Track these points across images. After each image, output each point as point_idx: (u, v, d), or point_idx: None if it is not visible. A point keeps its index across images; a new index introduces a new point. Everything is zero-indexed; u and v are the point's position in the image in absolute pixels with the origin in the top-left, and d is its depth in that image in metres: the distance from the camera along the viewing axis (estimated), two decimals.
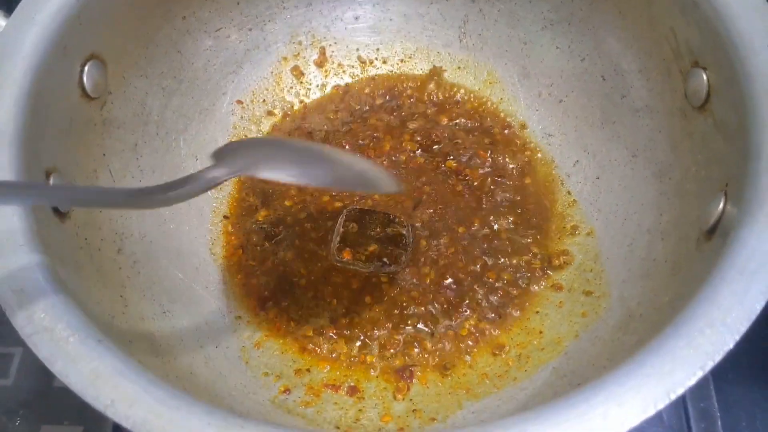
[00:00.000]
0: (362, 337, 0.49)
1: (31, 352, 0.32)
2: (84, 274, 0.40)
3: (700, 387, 0.52)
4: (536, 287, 0.51)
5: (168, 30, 0.53)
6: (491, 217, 0.54)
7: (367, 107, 0.61)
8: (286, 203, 0.56)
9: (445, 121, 0.59)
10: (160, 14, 0.52)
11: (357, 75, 0.63)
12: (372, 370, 0.48)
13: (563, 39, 0.57)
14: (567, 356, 0.45)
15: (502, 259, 0.52)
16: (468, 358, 0.48)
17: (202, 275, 0.51)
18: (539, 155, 0.58)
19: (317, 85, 0.62)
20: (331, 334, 0.49)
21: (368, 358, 0.48)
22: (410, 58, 0.63)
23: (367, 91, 0.62)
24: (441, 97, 0.61)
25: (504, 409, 0.43)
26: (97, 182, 0.46)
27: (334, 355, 0.49)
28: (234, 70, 0.59)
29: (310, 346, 0.49)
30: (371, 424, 0.44)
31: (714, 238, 0.38)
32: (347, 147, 0.58)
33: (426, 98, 0.61)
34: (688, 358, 0.30)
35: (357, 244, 0.53)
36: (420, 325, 0.50)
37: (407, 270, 0.52)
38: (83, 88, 0.45)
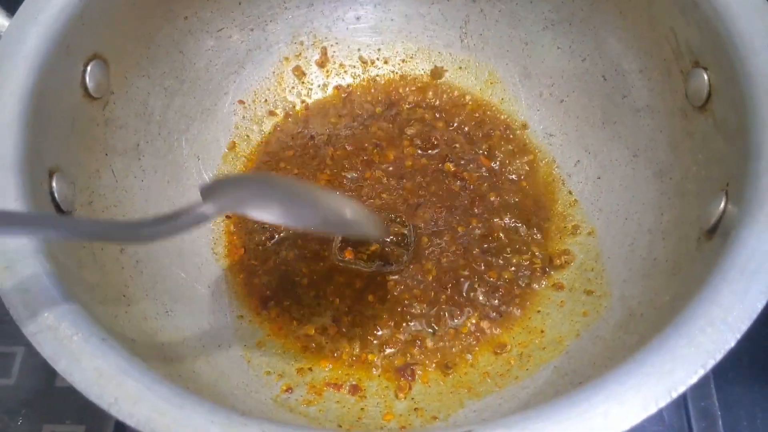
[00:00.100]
0: (364, 336, 0.49)
1: (33, 351, 0.32)
2: (87, 274, 0.40)
3: (700, 386, 0.52)
4: (537, 286, 0.51)
5: (170, 30, 0.53)
6: (492, 217, 0.54)
7: (368, 114, 0.61)
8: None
9: (441, 125, 0.60)
10: (162, 14, 0.52)
11: (358, 75, 0.63)
12: (374, 369, 0.48)
13: (564, 39, 0.57)
14: (568, 355, 0.45)
15: (503, 259, 0.52)
16: (469, 356, 0.48)
17: (204, 275, 0.52)
18: (540, 155, 0.58)
19: (319, 85, 0.62)
20: (333, 333, 0.50)
21: (370, 357, 0.49)
22: (411, 58, 0.63)
23: (368, 98, 0.62)
24: (439, 102, 0.61)
25: (506, 408, 0.43)
26: (99, 182, 0.46)
27: (335, 354, 0.49)
28: (236, 70, 0.59)
29: (312, 345, 0.49)
30: (373, 423, 0.44)
31: (715, 238, 0.38)
32: (350, 148, 0.58)
33: (424, 103, 0.61)
34: (689, 356, 0.30)
35: (358, 243, 0.53)
36: (421, 324, 0.50)
37: (410, 268, 0.52)
38: (86, 88, 0.45)
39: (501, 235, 0.54)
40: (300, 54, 0.62)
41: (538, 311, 0.50)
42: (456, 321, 0.50)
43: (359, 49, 0.63)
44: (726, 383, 0.53)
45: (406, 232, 0.53)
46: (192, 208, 0.36)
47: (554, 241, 0.54)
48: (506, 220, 0.54)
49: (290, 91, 0.62)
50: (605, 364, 0.40)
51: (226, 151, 0.58)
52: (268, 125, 0.61)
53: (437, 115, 0.60)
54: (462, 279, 0.51)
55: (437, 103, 0.61)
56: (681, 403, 0.52)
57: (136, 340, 0.40)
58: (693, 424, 0.51)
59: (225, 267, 0.53)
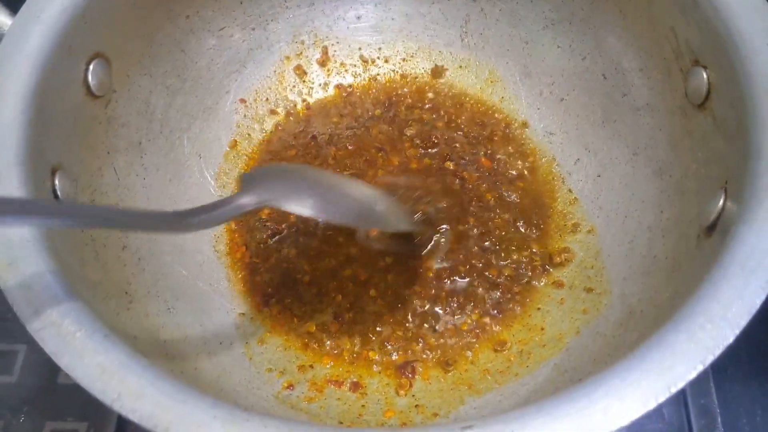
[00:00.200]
0: (365, 333, 0.50)
1: (36, 349, 0.32)
2: (89, 271, 0.40)
3: (700, 383, 0.53)
4: (537, 284, 0.52)
5: (171, 29, 0.53)
6: (492, 215, 0.55)
7: (369, 116, 0.61)
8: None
9: (441, 124, 0.60)
10: (164, 14, 0.52)
11: (359, 74, 0.63)
12: (374, 366, 0.48)
13: (564, 38, 0.57)
14: (568, 352, 0.45)
15: (503, 256, 0.53)
16: (470, 354, 0.49)
17: (206, 272, 0.52)
18: (540, 154, 0.58)
19: (320, 84, 0.63)
20: (334, 330, 0.50)
21: (371, 354, 0.49)
22: (412, 57, 0.63)
23: (369, 99, 0.62)
24: (437, 102, 0.61)
25: (506, 405, 0.43)
26: (101, 180, 0.46)
27: (336, 351, 0.49)
28: (237, 69, 0.60)
29: (313, 342, 0.49)
30: (374, 420, 0.44)
31: (714, 236, 0.39)
32: (351, 147, 0.59)
33: (421, 104, 0.61)
34: (688, 352, 0.30)
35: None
36: (422, 321, 0.50)
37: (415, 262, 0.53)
38: (88, 87, 0.45)
39: (501, 232, 0.54)
40: (301, 53, 0.62)
41: (538, 308, 0.50)
42: (456, 318, 0.50)
43: (360, 48, 0.63)
44: (725, 381, 0.53)
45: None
46: (232, 200, 0.37)
47: (554, 238, 0.54)
48: (506, 218, 0.55)
49: (291, 90, 0.62)
50: (605, 361, 0.40)
51: (228, 149, 0.58)
52: (269, 124, 0.61)
53: (435, 116, 0.61)
54: (462, 276, 0.52)
55: (436, 103, 0.61)
56: (681, 400, 0.52)
57: (138, 337, 0.40)
58: (693, 421, 0.51)
59: (226, 265, 0.53)
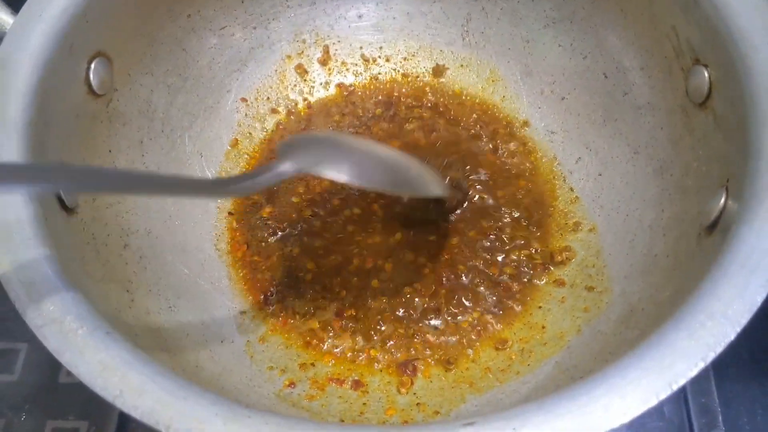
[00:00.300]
0: (366, 332, 0.50)
1: (36, 347, 0.32)
2: (90, 269, 0.41)
3: (701, 382, 0.53)
4: (538, 282, 0.52)
5: (173, 28, 0.54)
6: (493, 213, 0.55)
7: (370, 115, 0.61)
8: (293, 200, 0.56)
9: (443, 121, 0.60)
10: (165, 12, 0.52)
11: (360, 73, 0.63)
12: (376, 364, 0.48)
13: (565, 37, 0.57)
14: (569, 350, 0.45)
15: (504, 255, 0.53)
16: (471, 352, 0.49)
17: (208, 271, 0.52)
18: (541, 153, 0.58)
19: (321, 83, 0.63)
20: (335, 328, 0.50)
21: (372, 353, 0.49)
22: (413, 56, 0.63)
23: (371, 98, 0.62)
24: (438, 101, 0.62)
25: (507, 403, 0.43)
26: None
27: (338, 350, 0.49)
28: (238, 68, 0.60)
29: (315, 340, 0.49)
30: (375, 418, 0.44)
31: (715, 234, 0.39)
32: None
33: (420, 103, 0.62)
34: (689, 349, 0.30)
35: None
36: (423, 320, 0.50)
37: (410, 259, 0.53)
38: (89, 86, 0.45)
39: (502, 231, 0.54)
40: (302, 52, 0.62)
41: (539, 307, 0.50)
42: (457, 316, 0.50)
43: (361, 47, 0.63)
44: (726, 380, 0.53)
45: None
46: (272, 167, 0.38)
47: (555, 237, 0.54)
48: (507, 216, 0.55)
49: (292, 88, 0.62)
50: (606, 359, 0.40)
51: (229, 148, 0.59)
52: (270, 123, 0.61)
53: (436, 114, 0.61)
54: (463, 274, 0.52)
55: (436, 102, 0.61)
56: (681, 399, 0.52)
57: (140, 334, 0.40)
58: (693, 420, 0.51)
59: (228, 263, 0.53)
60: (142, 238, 0.48)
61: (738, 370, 0.53)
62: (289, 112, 0.61)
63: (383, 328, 0.50)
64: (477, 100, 0.61)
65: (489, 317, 0.50)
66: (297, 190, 0.57)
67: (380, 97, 0.62)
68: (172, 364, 0.40)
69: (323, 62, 0.63)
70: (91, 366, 0.31)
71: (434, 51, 0.63)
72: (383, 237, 0.54)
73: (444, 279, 0.52)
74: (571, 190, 0.56)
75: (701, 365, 0.30)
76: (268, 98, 0.61)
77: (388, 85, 0.63)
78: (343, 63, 0.63)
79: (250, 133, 0.60)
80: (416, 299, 0.51)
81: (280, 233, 0.55)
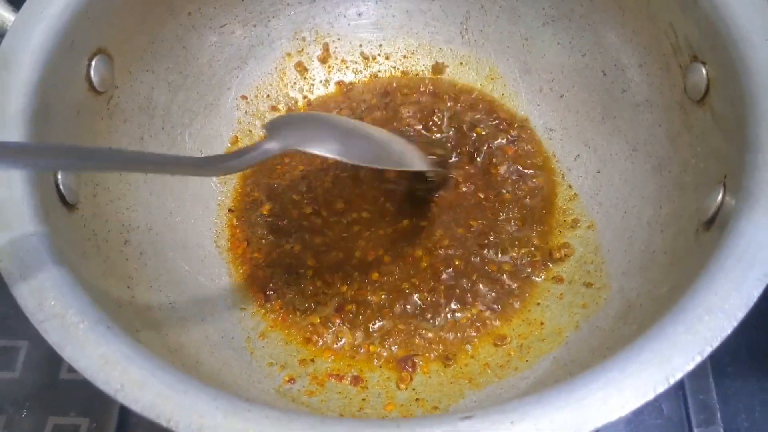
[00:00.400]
0: (366, 328, 0.50)
1: (38, 345, 0.32)
2: (91, 265, 0.41)
3: (699, 379, 0.53)
4: (537, 279, 0.52)
5: (173, 26, 0.54)
6: (492, 210, 0.55)
7: (366, 106, 0.61)
8: (294, 197, 0.56)
9: (442, 106, 0.60)
10: (166, 10, 0.53)
11: (360, 71, 0.63)
12: (375, 360, 0.48)
13: (564, 35, 0.57)
14: (568, 346, 0.46)
15: (503, 251, 0.53)
16: (470, 348, 0.49)
17: (208, 267, 0.52)
18: (540, 150, 0.58)
19: (320, 81, 0.63)
20: (335, 324, 0.50)
21: (371, 348, 0.49)
22: (413, 54, 0.63)
23: (368, 93, 0.62)
24: (439, 89, 0.62)
25: (505, 398, 0.43)
26: (104, 174, 0.46)
27: (337, 346, 0.49)
28: (238, 66, 0.60)
29: (314, 336, 0.50)
30: (375, 413, 0.45)
31: (712, 230, 0.39)
32: None
33: (418, 92, 0.62)
34: (686, 343, 0.31)
35: None
36: (422, 316, 0.50)
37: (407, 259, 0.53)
38: (90, 83, 0.45)
39: (501, 228, 0.54)
40: (302, 50, 0.62)
41: (538, 303, 0.51)
42: (456, 313, 0.50)
43: (361, 45, 0.63)
44: (724, 377, 0.53)
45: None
46: (259, 146, 0.39)
47: (554, 234, 0.54)
48: (506, 213, 0.55)
49: (292, 86, 0.62)
50: (604, 355, 0.40)
51: (229, 145, 0.59)
52: None
53: (434, 99, 0.61)
54: (462, 271, 0.52)
55: (436, 90, 0.62)
56: (680, 396, 0.52)
57: (140, 330, 0.40)
58: (692, 417, 0.51)
59: (228, 260, 0.54)
60: (142, 235, 0.48)
61: (736, 368, 0.53)
62: (289, 110, 0.62)
63: (383, 324, 0.50)
64: (473, 94, 0.62)
65: (488, 313, 0.50)
66: (299, 189, 0.57)
67: (377, 89, 0.62)
68: (172, 359, 0.40)
69: (323, 60, 0.63)
70: (93, 360, 0.31)
71: (433, 49, 0.63)
72: (385, 229, 0.54)
73: (443, 275, 0.52)
74: (570, 187, 0.56)
75: (698, 359, 0.30)
76: (268, 96, 0.61)
77: (387, 81, 0.63)
78: (342, 61, 0.63)
79: (250, 131, 0.60)
80: (415, 295, 0.51)
81: (280, 230, 0.55)
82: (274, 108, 0.61)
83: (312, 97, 0.62)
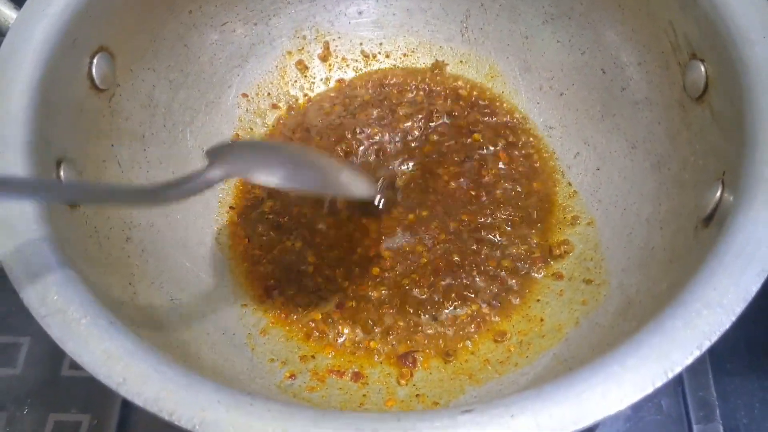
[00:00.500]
0: (366, 324, 0.50)
1: (39, 341, 0.32)
2: (93, 262, 0.41)
3: (699, 376, 0.53)
4: (537, 276, 0.52)
5: (175, 24, 0.54)
6: (492, 207, 0.55)
7: (359, 102, 0.61)
8: (294, 194, 0.56)
9: (441, 102, 0.60)
10: (167, 9, 0.53)
11: (360, 69, 0.64)
12: (376, 356, 0.49)
13: (564, 33, 0.57)
14: (567, 342, 0.46)
15: (503, 248, 0.53)
16: (470, 344, 0.49)
17: (209, 264, 0.52)
18: (540, 147, 0.58)
19: (321, 79, 0.63)
20: (336, 320, 0.50)
21: (372, 344, 0.49)
22: (413, 52, 0.64)
23: (364, 90, 0.63)
24: (436, 83, 0.62)
25: (506, 394, 0.43)
26: (105, 172, 0.47)
27: (338, 342, 0.49)
28: (239, 64, 0.60)
29: (315, 332, 0.50)
30: (375, 409, 0.45)
31: (711, 226, 0.39)
32: (333, 138, 0.59)
33: (414, 87, 0.62)
34: (685, 338, 0.31)
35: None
36: (423, 312, 0.50)
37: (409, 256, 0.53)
38: (92, 80, 0.45)
39: (500, 224, 0.54)
40: (303, 48, 0.63)
41: (538, 300, 0.51)
42: (456, 309, 0.51)
43: (361, 44, 0.64)
44: (724, 374, 0.53)
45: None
46: (200, 174, 0.38)
47: (554, 231, 0.54)
48: (506, 210, 0.55)
49: (293, 84, 0.62)
50: (604, 351, 0.40)
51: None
52: (271, 118, 0.61)
53: (430, 98, 0.61)
54: (461, 268, 0.52)
55: (433, 86, 0.62)
56: (679, 393, 0.52)
57: (142, 326, 0.40)
58: (691, 414, 0.51)
59: (229, 257, 0.54)
60: (144, 232, 0.48)
61: (735, 364, 0.54)
62: (289, 108, 0.62)
63: (383, 320, 0.50)
64: (472, 89, 0.62)
65: (488, 310, 0.50)
66: None
67: (370, 84, 0.63)
68: (173, 356, 0.40)
69: (323, 58, 0.63)
70: (95, 355, 0.31)
71: (434, 47, 0.63)
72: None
73: (443, 272, 0.52)
74: (570, 184, 0.56)
75: (697, 353, 0.30)
76: (269, 94, 0.62)
77: (382, 79, 0.63)
78: (343, 59, 0.64)
79: (251, 129, 0.60)
80: (415, 290, 0.51)
81: (281, 227, 0.55)
82: (274, 106, 0.61)
83: (312, 95, 0.63)
